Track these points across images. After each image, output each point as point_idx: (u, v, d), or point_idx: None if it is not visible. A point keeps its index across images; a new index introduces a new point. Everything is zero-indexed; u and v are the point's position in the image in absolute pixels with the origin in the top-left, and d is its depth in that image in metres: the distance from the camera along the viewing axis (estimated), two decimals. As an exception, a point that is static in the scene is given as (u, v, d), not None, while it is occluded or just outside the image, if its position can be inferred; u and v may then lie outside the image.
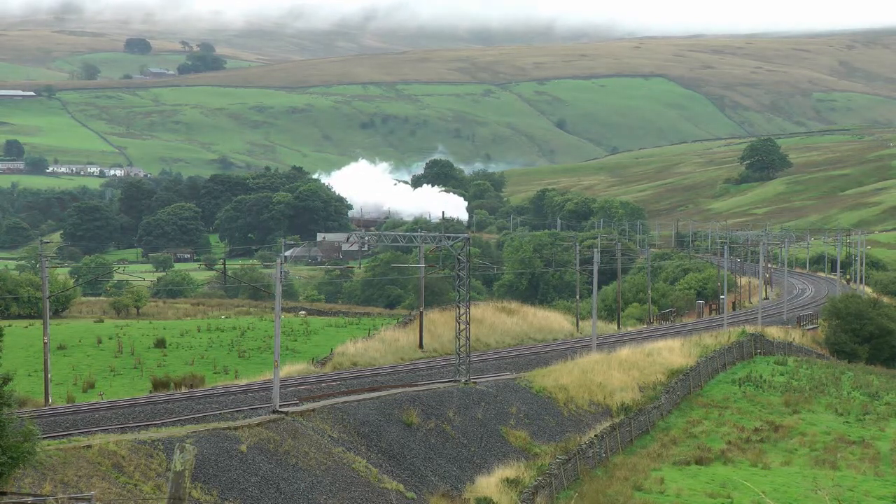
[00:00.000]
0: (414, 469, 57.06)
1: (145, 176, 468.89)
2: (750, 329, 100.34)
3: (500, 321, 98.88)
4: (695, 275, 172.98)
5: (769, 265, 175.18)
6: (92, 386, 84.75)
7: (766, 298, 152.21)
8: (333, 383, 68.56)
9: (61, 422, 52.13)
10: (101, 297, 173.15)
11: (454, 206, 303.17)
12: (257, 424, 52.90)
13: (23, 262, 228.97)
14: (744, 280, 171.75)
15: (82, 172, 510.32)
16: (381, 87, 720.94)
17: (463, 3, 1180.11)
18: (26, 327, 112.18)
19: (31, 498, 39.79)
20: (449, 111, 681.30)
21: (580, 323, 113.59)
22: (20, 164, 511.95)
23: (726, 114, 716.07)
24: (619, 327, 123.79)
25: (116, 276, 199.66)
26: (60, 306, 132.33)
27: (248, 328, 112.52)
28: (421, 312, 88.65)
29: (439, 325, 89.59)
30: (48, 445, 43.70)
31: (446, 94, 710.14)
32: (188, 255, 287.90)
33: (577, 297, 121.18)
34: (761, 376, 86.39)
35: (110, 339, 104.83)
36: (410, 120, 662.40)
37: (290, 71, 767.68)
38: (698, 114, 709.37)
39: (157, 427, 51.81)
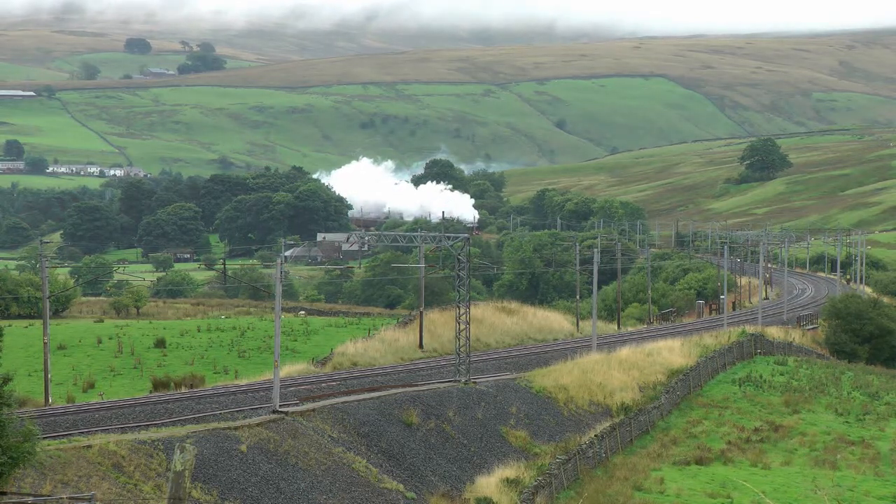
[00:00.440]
0: (414, 469, 57.06)
1: (145, 176, 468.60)
2: (750, 329, 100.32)
3: (500, 321, 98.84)
4: (695, 275, 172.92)
5: (769, 265, 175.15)
6: (92, 386, 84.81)
7: (766, 298, 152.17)
8: (333, 383, 68.54)
9: (61, 422, 52.12)
10: (101, 297, 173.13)
11: (457, 204, 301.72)
12: (257, 424, 52.90)
13: (23, 262, 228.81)
14: (744, 280, 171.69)
15: (82, 172, 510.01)
16: (381, 87, 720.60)
17: (463, 3, 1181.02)
18: (26, 327, 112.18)
19: (31, 498, 39.81)
20: (449, 111, 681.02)
21: (580, 323, 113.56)
22: (20, 164, 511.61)
23: (726, 114, 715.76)
24: (619, 327, 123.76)
25: (116, 276, 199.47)
26: (60, 306, 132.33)
27: (248, 328, 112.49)
28: (421, 312, 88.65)
29: (439, 325, 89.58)
30: (48, 445, 43.72)
31: (446, 94, 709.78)
32: (188, 255, 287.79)
33: (577, 297, 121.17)
34: (761, 376, 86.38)
35: (110, 339, 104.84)
36: (410, 120, 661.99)
37: (290, 71, 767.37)
38: (698, 114, 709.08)
39: (157, 427, 51.81)
